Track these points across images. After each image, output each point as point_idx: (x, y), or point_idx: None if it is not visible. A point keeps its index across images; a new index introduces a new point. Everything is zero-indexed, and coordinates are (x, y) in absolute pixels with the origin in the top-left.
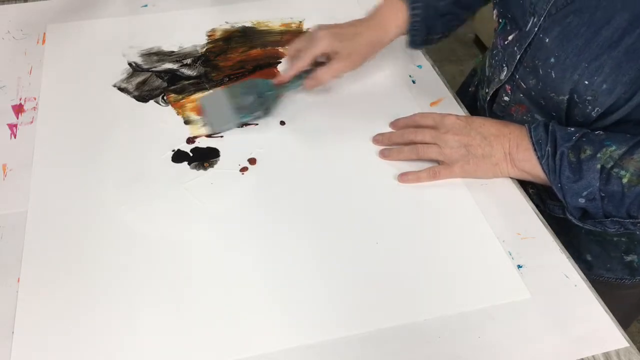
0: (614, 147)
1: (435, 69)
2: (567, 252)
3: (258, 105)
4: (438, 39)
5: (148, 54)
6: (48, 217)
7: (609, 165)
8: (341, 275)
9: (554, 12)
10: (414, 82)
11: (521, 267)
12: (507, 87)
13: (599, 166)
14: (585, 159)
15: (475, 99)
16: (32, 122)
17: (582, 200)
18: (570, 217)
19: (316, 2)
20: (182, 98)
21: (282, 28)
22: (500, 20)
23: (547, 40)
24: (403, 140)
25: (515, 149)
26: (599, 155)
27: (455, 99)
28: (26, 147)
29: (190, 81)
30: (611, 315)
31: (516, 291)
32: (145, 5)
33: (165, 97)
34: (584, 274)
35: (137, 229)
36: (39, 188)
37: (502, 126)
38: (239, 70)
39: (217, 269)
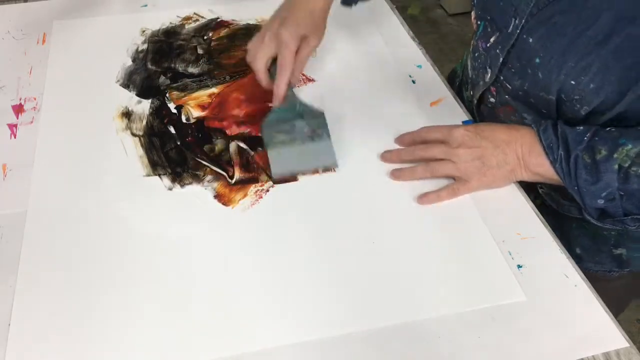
0: (630, 146)
1: (435, 69)
2: (567, 252)
3: (309, 122)
4: None
5: (151, 51)
6: (48, 217)
7: (627, 165)
8: (340, 274)
9: (535, 13)
10: (414, 82)
11: (521, 267)
12: (492, 89)
13: (616, 166)
14: (602, 159)
15: (457, 101)
16: (32, 122)
17: (601, 202)
18: (588, 218)
19: None
20: (185, 95)
21: None
22: (479, 23)
23: (530, 40)
24: (413, 157)
25: (528, 154)
26: (615, 155)
27: (455, 99)
28: (26, 147)
29: (193, 79)
30: (611, 315)
31: (511, 294)
32: (145, 5)
33: (167, 95)
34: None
35: (137, 228)
36: (39, 188)
37: (513, 130)
38: (242, 67)
39: (217, 267)
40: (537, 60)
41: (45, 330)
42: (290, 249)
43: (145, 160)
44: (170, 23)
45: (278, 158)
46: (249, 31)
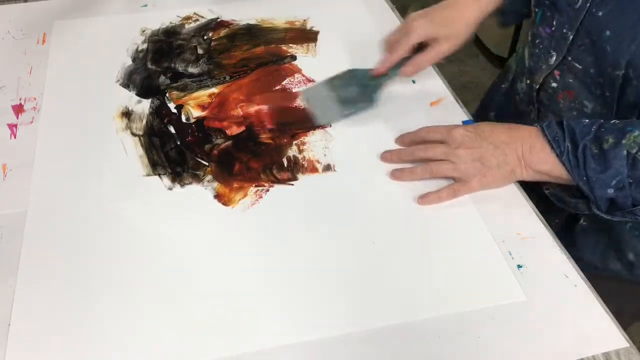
0: (637, 132)
1: (435, 69)
2: (567, 252)
3: (362, 96)
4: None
5: (151, 51)
6: (48, 217)
7: (634, 151)
8: (340, 274)
9: None
10: (414, 82)
11: (521, 267)
12: (556, 72)
13: (625, 152)
14: (610, 147)
15: (510, 96)
16: (32, 122)
17: (611, 191)
18: (596, 211)
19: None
20: (185, 95)
21: (287, 26)
22: (537, 10)
23: (600, 14)
24: (413, 158)
25: (528, 153)
26: (623, 142)
27: (455, 98)
28: (26, 147)
29: (193, 78)
30: (611, 315)
31: (511, 294)
32: (145, 5)
33: (167, 94)
34: (625, 274)
35: (137, 228)
36: (39, 188)
37: (513, 131)
38: (242, 68)
39: (217, 267)
40: (608, 33)
41: (45, 330)
42: (290, 249)
43: (145, 160)
44: (170, 23)
45: (316, 88)
46: (249, 31)
